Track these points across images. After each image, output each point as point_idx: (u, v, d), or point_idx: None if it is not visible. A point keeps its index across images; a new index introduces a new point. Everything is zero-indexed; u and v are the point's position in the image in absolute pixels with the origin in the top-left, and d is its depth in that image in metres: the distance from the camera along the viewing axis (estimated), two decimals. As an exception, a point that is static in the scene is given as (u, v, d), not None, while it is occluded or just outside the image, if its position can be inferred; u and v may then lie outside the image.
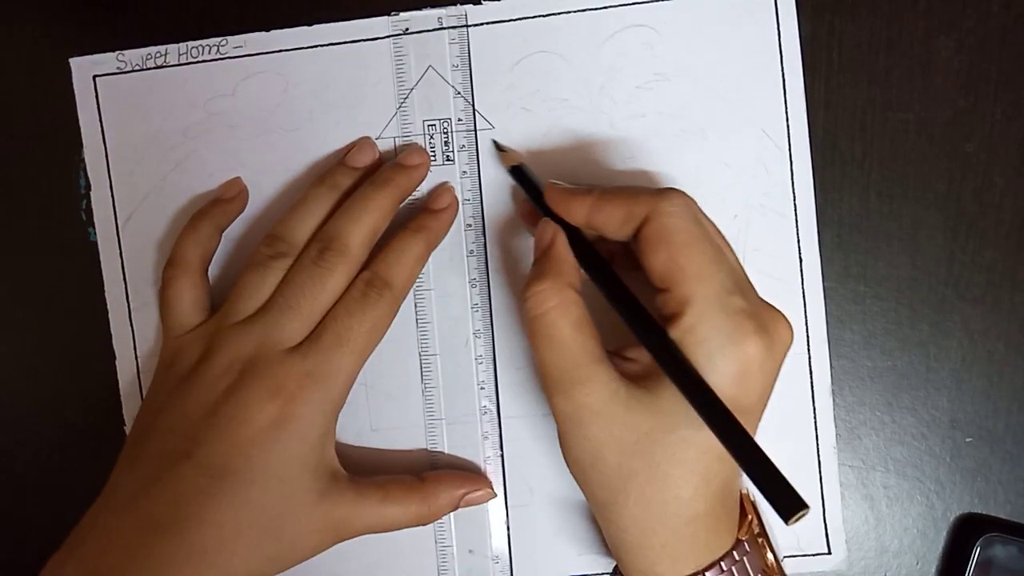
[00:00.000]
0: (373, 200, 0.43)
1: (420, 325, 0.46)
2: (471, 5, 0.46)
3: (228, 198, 0.46)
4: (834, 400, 0.45)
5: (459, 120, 0.46)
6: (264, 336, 0.41)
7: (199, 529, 0.38)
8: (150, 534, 0.38)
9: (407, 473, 0.45)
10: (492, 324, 0.46)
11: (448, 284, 0.46)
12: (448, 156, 0.46)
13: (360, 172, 0.45)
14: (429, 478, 0.44)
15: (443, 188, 0.46)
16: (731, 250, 0.39)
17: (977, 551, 0.44)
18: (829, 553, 0.46)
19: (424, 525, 0.44)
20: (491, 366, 0.46)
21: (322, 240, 0.42)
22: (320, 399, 0.41)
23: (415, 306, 0.46)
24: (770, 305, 0.38)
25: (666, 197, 0.37)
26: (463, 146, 0.46)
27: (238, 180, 0.47)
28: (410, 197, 0.46)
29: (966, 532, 0.45)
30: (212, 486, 0.39)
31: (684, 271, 0.36)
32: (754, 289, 0.38)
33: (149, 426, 0.41)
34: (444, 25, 0.46)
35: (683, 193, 0.38)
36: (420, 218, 0.44)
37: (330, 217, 0.44)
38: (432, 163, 0.46)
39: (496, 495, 0.46)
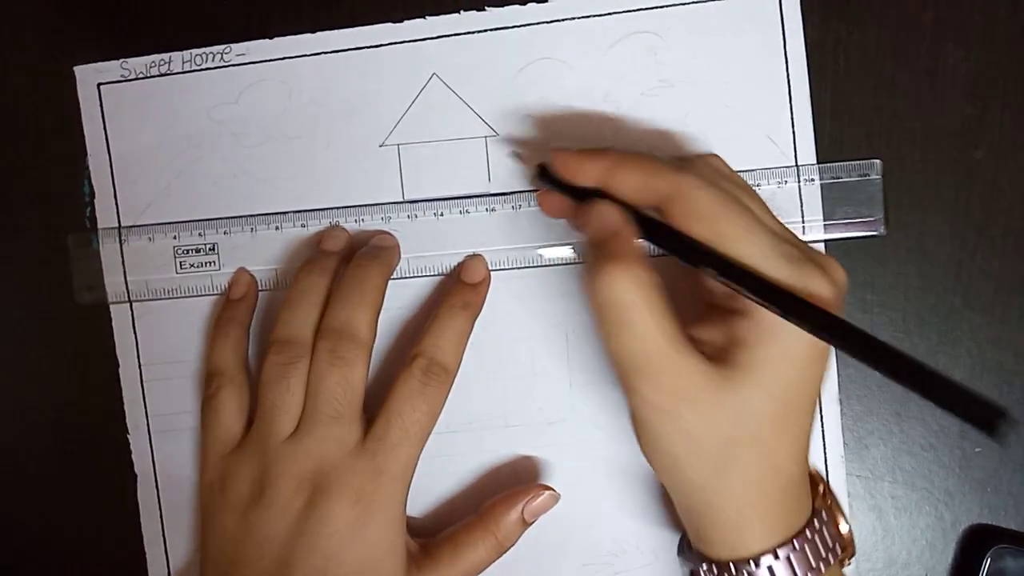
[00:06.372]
0: (367, 280, 0.43)
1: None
2: (475, 12, 0.46)
3: (241, 296, 0.46)
4: (842, 410, 0.45)
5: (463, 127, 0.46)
6: (319, 449, 0.41)
7: None
8: None
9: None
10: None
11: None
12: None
13: (339, 255, 0.45)
14: (485, 508, 0.44)
15: (476, 260, 0.46)
16: (765, 208, 0.39)
17: (987, 563, 0.43)
18: (837, 564, 0.45)
19: (504, 553, 0.43)
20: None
21: (330, 337, 0.42)
22: (395, 489, 0.41)
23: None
24: (816, 250, 0.38)
25: (687, 174, 0.37)
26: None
27: (243, 273, 0.47)
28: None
29: (976, 544, 0.44)
30: None
31: (727, 235, 0.36)
32: (797, 237, 0.38)
33: (233, 557, 0.41)
34: (448, 32, 0.46)
35: (704, 163, 0.39)
36: (459, 294, 0.44)
37: (327, 304, 0.43)
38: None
39: (560, 496, 0.45)
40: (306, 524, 0.40)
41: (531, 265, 0.46)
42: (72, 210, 0.48)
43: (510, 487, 0.45)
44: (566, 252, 0.45)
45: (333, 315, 0.42)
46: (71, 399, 0.48)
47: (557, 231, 0.45)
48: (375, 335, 0.43)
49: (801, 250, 0.37)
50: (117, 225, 0.47)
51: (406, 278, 0.46)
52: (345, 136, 0.46)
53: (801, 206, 0.44)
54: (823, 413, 0.45)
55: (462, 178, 0.46)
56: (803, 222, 0.44)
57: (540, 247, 0.45)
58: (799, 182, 0.44)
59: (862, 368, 0.44)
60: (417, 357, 0.42)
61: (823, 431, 0.45)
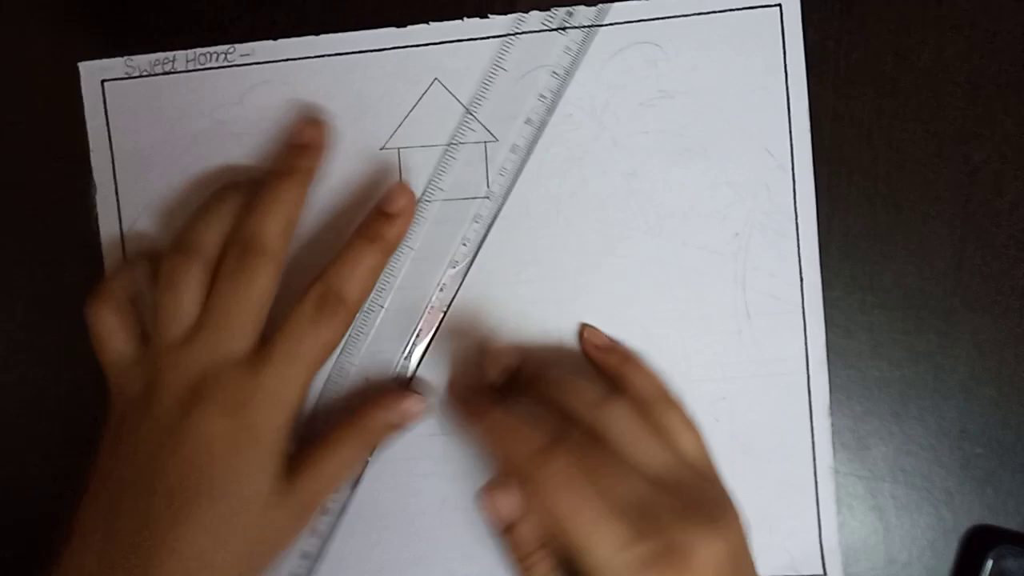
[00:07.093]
0: (282, 190, 0.42)
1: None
2: (478, 19, 0.46)
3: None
4: (842, 410, 0.45)
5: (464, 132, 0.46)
6: (207, 356, 0.40)
7: (172, 557, 0.37)
8: (123, 572, 0.37)
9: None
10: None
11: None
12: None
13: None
14: (358, 411, 0.43)
15: (398, 188, 0.44)
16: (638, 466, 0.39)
17: (989, 564, 0.43)
18: (824, 574, 0.45)
19: (371, 452, 0.44)
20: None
21: (238, 243, 0.41)
22: (275, 410, 0.40)
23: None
24: (691, 515, 0.37)
25: (537, 470, 0.37)
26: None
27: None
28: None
29: (978, 544, 0.44)
30: (180, 512, 0.38)
31: (568, 538, 0.36)
32: (672, 487, 0.38)
33: (109, 458, 0.40)
34: (451, 38, 0.46)
35: (561, 452, 0.38)
36: (374, 224, 0.43)
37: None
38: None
39: (426, 404, 0.44)
40: (179, 430, 0.39)
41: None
42: (72, 209, 0.48)
43: None
44: (568, 252, 0.46)
45: (243, 225, 0.41)
46: (71, 399, 0.48)
47: (559, 231, 0.46)
48: (286, 248, 0.42)
49: (653, 537, 0.36)
50: (119, 223, 0.47)
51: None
52: (346, 138, 0.47)
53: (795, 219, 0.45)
54: (813, 423, 0.45)
55: (461, 182, 0.46)
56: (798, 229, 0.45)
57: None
58: (794, 194, 0.45)
59: (863, 369, 0.45)
60: (314, 285, 0.41)
61: (813, 441, 0.45)
